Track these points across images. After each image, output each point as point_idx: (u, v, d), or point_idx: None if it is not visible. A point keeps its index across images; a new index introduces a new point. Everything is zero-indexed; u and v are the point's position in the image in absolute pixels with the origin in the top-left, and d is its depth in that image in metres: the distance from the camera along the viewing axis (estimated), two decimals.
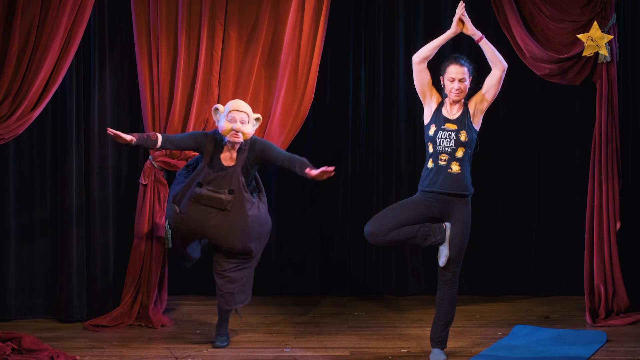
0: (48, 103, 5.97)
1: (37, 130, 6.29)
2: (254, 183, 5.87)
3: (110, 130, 5.54)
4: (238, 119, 5.63)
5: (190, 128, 6.21)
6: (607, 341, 5.91)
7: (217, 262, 5.86)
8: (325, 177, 5.59)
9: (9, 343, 5.55)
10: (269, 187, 7.09)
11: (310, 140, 7.08)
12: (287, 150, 6.39)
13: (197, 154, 5.93)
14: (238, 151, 5.70)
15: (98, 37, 6.32)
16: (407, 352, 5.71)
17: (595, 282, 6.44)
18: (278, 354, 5.67)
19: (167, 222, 6.24)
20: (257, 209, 5.80)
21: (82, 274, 6.38)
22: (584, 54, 6.30)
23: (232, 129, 5.61)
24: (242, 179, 5.70)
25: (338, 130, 7.12)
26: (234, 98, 6.27)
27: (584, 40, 6.27)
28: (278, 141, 6.33)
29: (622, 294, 6.46)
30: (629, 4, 6.71)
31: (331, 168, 5.55)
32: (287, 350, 5.75)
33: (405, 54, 6.96)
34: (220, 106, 5.75)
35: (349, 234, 7.14)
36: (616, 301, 6.45)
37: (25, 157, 6.35)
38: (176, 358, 5.59)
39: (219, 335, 5.88)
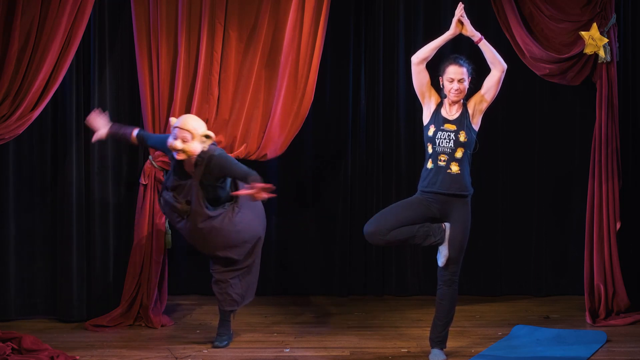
0: (48, 103, 5.97)
1: (37, 130, 6.29)
2: (228, 190, 5.77)
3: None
4: (179, 137, 5.56)
5: None
6: (607, 341, 5.91)
7: (211, 263, 5.88)
8: (259, 195, 5.40)
9: (9, 343, 5.55)
10: None
11: (310, 140, 7.08)
12: (287, 150, 6.40)
13: None
14: (195, 165, 5.63)
15: (98, 37, 6.32)
16: (407, 352, 5.71)
17: (595, 282, 6.44)
18: (278, 354, 5.67)
19: (167, 222, 6.25)
20: (228, 219, 5.67)
21: (82, 274, 6.38)
22: (585, 52, 6.29)
23: (172, 147, 5.58)
24: (201, 192, 5.63)
25: (338, 130, 7.12)
26: (234, 98, 6.29)
27: (585, 37, 6.27)
28: (278, 141, 6.33)
29: (622, 294, 6.46)
30: (629, 4, 6.71)
31: (268, 187, 5.40)
32: (287, 350, 5.75)
33: (405, 54, 6.96)
34: (172, 119, 5.71)
35: (349, 234, 7.14)
36: (616, 301, 6.45)
37: (25, 157, 6.36)
38: (176, 358, 5.59)
39: (219, 335, 5.88)
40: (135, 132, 5.87)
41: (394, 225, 5.34)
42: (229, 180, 5.80)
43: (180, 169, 5.69)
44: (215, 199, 5.73)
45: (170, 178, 5.77)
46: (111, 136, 5.93)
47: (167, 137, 5.70)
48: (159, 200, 5.97)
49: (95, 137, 5.86)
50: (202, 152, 5.60)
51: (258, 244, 5.88)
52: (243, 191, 5.51)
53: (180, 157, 5.58)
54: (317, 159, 7.15)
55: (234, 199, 5.75)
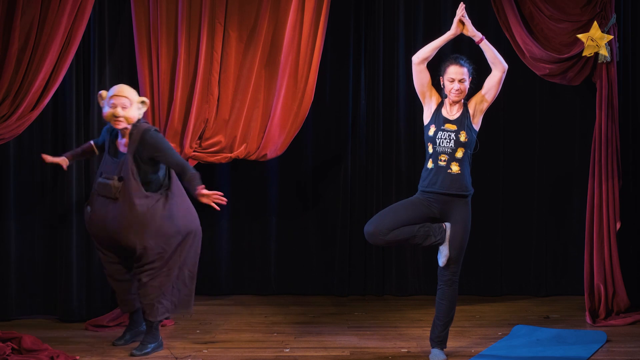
0: (48, 103, 5.97)
1: (37, 130, 6.29)
2: (161, 178, 5.69)
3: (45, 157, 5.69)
4: (119, 104, 5.57)
5: (190, 128, 6.21)
6: (607, 341, 5.91)
7: (133, 269, 5.72)
8: (212, 201, 5.47)
9: (9, 343, 5.55)
10: (269, 187, 7.10)
11: (310, 140, 7.08)
12: (287, 150, 6.40)
13: None
14: (130, 135, 5.61)
15: (98, 37, 6.32)
16: (407, 352, 5.71)
17: (595, 282, 6.45)
18: (278, 354, 5.67)
19: None
20: (162, 203, 5.60)
21: (82, 273, 6.38)
22: (584, 54, 6.30)
23: (112, 115, 5.56)
24: (134, 168, 5.57)
25: (338, 130, 7.12)
26: (234, 98, 6.28)
27: (583, 40, 6.27)
28: (278, 141, 6.33)
29: (622, 294, 6.46)
30: (629, 4, 6.71)
31: (222, 197, 5.47)
32: (287, 350, 5.75)
33: (405, 54, 6.96)
34: (103, 92, 5.69)
35: (349, 234, 7.13)
36: (616, 301, 6.45)
37: (26, 157, 6.36)
38: (176, 358, 5.59)
39: (142, 343, 5.68)
40: (91, 142, 5.91)
41: (394, 225, 5.34)
42: (162, 169, 5.70)
43: (113, 147, 5.66)
44: (145, 183, 5.63)
45: (103, 162, 5.70)
46: (73, 157, 5.91)
47: (104, 129, 5.77)
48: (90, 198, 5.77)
49: (53, 160, 5.79)
50: (137, 121, 5.62)
51: (188, 241, 5.69)
52: (208, 193, 5.46)
53: (120, 125, 5.56)
54: (317, 159, 7.15)
55: (167, 187, 5.69)
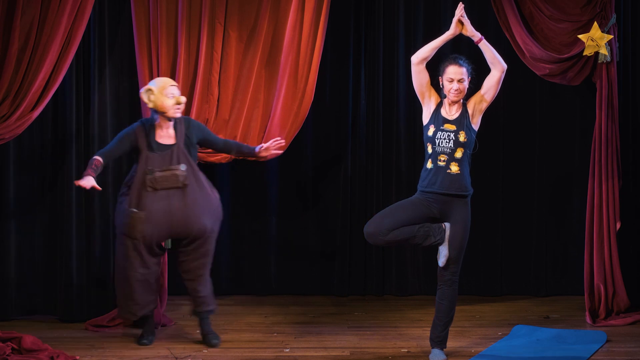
0: (48, 103, 5.97)
1: (37, 130, 6.29)
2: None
3: (78, 183, 5.54)
4: (177, 93, 5.70)
5: None
6: (607, 341, 5.91)
7: (183, 263, 5.83)
8: (273, 149, 5.84)
9: (9, 343, 5.55)
10: (269, 187, 7.10)
11: (310, 140, 7.08)
12: (287, 150, 6.40)
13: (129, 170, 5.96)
14: (175, 128, 5.72)
15: (98, 37, 6.32)
16: (407, 352, 5.71)
17: (595, 282, 6.44)
18: (278, 354, 5.67)
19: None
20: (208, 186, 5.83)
21: (83, 274, 6.39)
22: (584, 54, 6.30)
23: (176, 103, 5.66)
24: (187, 153, 5.71)
25: (338, 130, 7.12)
26: (234, 98, 6.29)
27: (584, 40, 6.27)
28: None
29: (622, 294, 6.46)
30: (629, 4, 6.71)
31: (279, 141, 5.88)
32: (287, 350, 5.75)
33: (405, 54, 6.96)
34: (152, 87, 5.70)
35: (348, 234, 7.13)
36: (616, 301, 6.45)
37: (25, 157, 6.36)
38: (176, 358, 5.59)
39: (214, 332, 5.89)
40: (96, 156, 5.66)
41: (394, 225, 5.34)
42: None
43: (155, 143, 5.68)
44: None
45: (144, 159, 5.67)
46: (96, 173, 5.66)
47: (121, 135, 5.72)
48: (122, 218, 5.71)
49: (84, 183, 5.55)
50: None
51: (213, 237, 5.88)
52: (264, 146, 5.89)
53: (178, 113, 5.68)
54: (317, 159, 7.15)
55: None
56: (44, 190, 6.40)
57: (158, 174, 5.65)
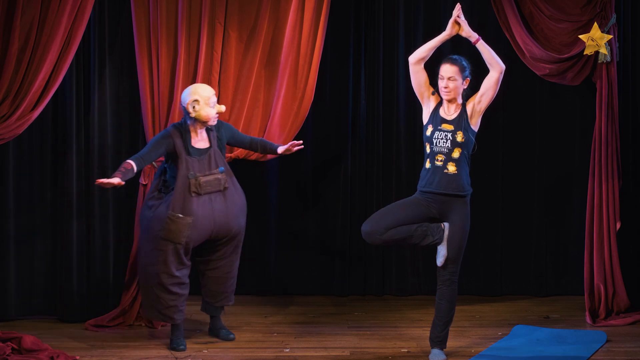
0: (48, 103, 5.97)
1: (37, 130, 6.29)
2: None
3: (99, 181, 5.47)
4: (216, 100, 5.77)
5: None
6: (607, 341, 5.91)
7: (206, 262, 5.91)
8: (294, 149, 5.99)
9: (9, 343, 5.55)
10: (269, 187, 7.10)
11: (310, 140, 7.07)
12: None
13: (156, 168, 6.01)
14: (207, 132, 5.79)
15: (98, 37, 6.32)
16: (407, 352, 5.71)
17: (595, 282, 6.45)
18: (278, 354, 5.67)
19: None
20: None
21: (82, 273, 6.38)
22: (585, 53, 6.30)
23: (217, 113, 5.74)
24: (221, 155, 5.82)
25: (338, 130, 7.11)
26: (234, 98, 6.29)
27: (584, 40, 6.27)
28: (278, 141, 6.32)
29: (622, 294, 6.46)
30: (629, 4, 6.71)
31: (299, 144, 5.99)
32: (287, 350, 5.76)
33: (405, 54, 6.94)
34: (198, 98, 5.69)
35: (348, 234, 7.13)
36: (616, 301, 6.45)
37: (25, 157, 6.36)
38: (176, 358, 5.59)
39: (226, 328, 6.04)
40: (130, 161, 5.58)
41: (392, 224, 5.33)
42: None
43: (191, 148, 5.71)
44: None
45: (185, 164, 5.66)
46: (124, 179, 5.53)
47: (156, 140, 5.69)
48: (159, 223, 5.64)
49: (112, 181, 5.45)
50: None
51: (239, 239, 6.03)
52: (286, 145, 6.00)
53: (216, 121, 5.77)
54: (317, 159, 7.15)
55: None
56: (44, 190, 6.40)
57: (202, 179, 5.69)
